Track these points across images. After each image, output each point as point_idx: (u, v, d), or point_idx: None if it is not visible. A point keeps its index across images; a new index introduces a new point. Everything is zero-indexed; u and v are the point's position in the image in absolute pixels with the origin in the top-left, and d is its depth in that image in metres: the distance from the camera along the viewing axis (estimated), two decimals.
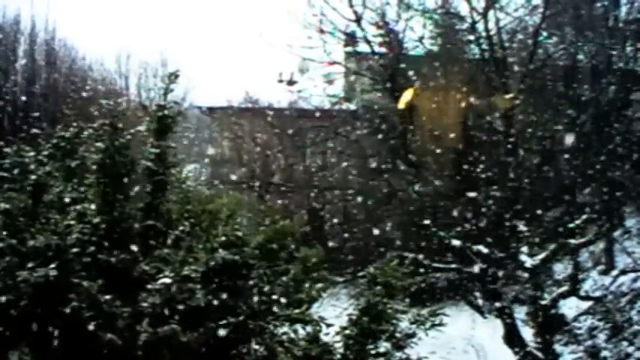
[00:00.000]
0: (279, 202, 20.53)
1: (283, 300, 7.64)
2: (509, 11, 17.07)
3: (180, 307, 6.74)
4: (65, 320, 6.61)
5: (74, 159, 8.19)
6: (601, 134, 15.80)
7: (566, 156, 16.25)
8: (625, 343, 16.08)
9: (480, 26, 16.27)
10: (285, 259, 8.04)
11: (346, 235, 19.07)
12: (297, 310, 7.72)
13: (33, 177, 7.55)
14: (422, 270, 15.03)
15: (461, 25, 17.44)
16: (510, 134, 15.79)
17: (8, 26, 30.54)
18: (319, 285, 8.28)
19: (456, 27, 17.72)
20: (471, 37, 16.82)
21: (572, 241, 15.69)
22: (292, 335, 7.75)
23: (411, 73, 17.09)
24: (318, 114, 22.20)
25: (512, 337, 15.41)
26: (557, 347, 16.42)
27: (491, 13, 16.16)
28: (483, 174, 15.99)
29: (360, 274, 14.25)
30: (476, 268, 15.65)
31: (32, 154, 7.99)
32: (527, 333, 15.69)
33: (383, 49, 17.55)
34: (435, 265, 16.46)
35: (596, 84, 16.41)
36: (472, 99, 16.13)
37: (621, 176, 15.26)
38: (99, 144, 7.64)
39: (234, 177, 24.88)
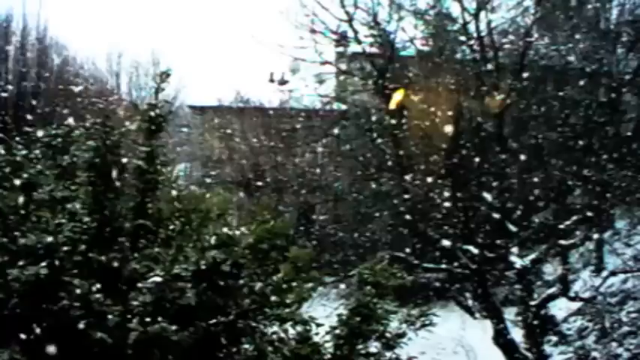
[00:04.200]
0: (270, 201, 20.55)
1: (273, 299, 7.64)
2: (501, 12, 17.14)
3: (171, 306, 6.74)
4: (56, 318, 6.61)
5: (65, 158, 8.17)
6: (591, 136, 15.85)
7: (557, 157, 16.30)
8: (614, 344, 16.16)
9: (472, 27, 16.32)
10: (275, 258, 8.03)
11: (336, 234, 19.11)
12: (287, 310, 7.71)
13: (24, 175, 7.53)
14: (412, 270, 15.08)
15: (452, 26, 17.48)
16: (501, 135, 15.84)
17: None
18: (309, 285, 8.28)
19: (448, 28, 17.75)
20: (463, 38, 16.85)
21: (562, 242, 15.75)
22: (282, 335, 7.74)
23: (402, 73, 17.14)
24: (309, 114, 22.26)
25: (501, 338, 15.45)
26: (547, 348, 16.51)
27: (482, 14, 16.21)
28: (473, 174, 16.04)
29: (350, 273, 14.35)
30: (466, 269, 15.70)
31: (23, 152, 7.96)
32: (517, 334, 15.74)
33: (374, 50, 17.59)
34: (425, 265, 16.52)
35: (586, 85, 16.46)
36: (463, 100, 16.16)
37: (611, 178, 15.31)
38: (90, 143, 7.63)
39: (224, 176, 24.93)
